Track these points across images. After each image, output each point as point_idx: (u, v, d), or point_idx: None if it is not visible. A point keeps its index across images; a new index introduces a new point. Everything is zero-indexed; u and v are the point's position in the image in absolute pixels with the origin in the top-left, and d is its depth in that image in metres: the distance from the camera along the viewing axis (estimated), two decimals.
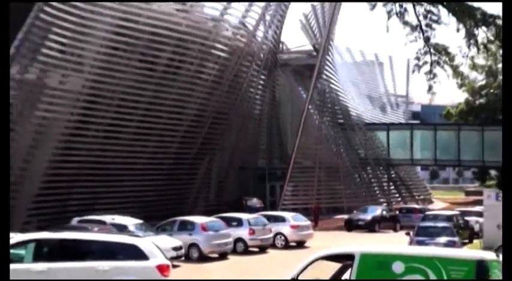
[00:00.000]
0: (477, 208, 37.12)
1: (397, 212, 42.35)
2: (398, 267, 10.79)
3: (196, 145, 39.24)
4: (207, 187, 42.03)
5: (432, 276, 10.56)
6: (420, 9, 11.81)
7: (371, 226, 37.50)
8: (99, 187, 33.06)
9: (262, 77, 45.69)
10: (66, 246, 14.38)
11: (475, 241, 30.33)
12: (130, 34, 33.69)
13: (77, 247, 14.38)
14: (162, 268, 14.00)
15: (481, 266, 10.50)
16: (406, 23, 11.52)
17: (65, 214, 28.57)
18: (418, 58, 12.61)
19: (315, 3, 47.31)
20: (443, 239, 23.86)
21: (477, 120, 57.49)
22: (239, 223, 27.79)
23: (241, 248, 27.06)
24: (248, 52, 42.05)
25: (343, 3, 47.05)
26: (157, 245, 15.10)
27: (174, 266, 17.88)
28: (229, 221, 27.41)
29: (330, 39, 48.41)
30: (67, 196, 31.46)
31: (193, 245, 24.72)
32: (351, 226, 38.06)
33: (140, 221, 24.89)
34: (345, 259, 11.73)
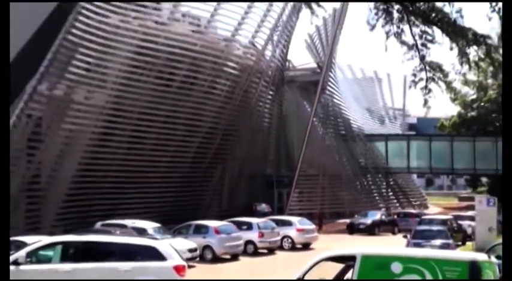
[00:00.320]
0: (469, 213, 36.89)
1: (395, 216, 42.14)
2: (396, 267, 10.73)
3: (209, 155, 39.21)
4: (220, 193, 41.94)
5: (428, 276, 10.49)
6: (416, 30, 11.87)
7: (371, 230, 37.34)
8: (121, 194, 33.07)
9: (271, 92, 45.66)
10: (91, 248, 14.36)
11: (468, 243, 30.12)
12: (150, 54, 33.79)
13: (100, 249, 14.36)
14: (178, 268, 13.96)
15: (474, 267, 10.42)
16: (403, 43, 11.53)
17: (90, 218, 28.55)
18: (414, 75, 12.57)
19: (319, 24, 47.35)
20: (438, 242, 23.68)
21: (469, 131, 57.23)
22: (249, 226, 27.73)
23: (251, 249, 26.98)
24: (257, 70, 42.06)
25: (345, 25, 47.09)
26: (174, 247, 15.06)
27: (190, 267, 17.83)
28: (240, 225, 27.35)
29: (333, 58, 48.39)
30: (91, 201, 31.44)
31: (207, 247, 24.68)
32: (352, 229, 37.91)
33: (158, 224, 24.87)
34: (347, 260, 11.66)
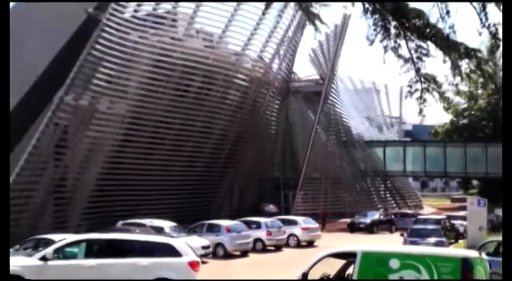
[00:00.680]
0: (462, 213, 36.67)
1: (393, 216, 41.95)
2: (394, 263, 10.70)
3: (221, 160, 39.24)
4: (231, 195, 41.92)
5: (424, 271, 10.46)
6: (412, 44, 11.79)
7: (370, 228, 37.21)
8: (140, 195, 33.10)
9: (277, 102, 45.68)
10: (112, 245, 14.43)
11: (460, 241, 29.95)
12: (166, 67, 33.92)
13: (121, 246, 14.41)
14: (193, 264, 14.00)
15: (466, 263, 10.41)
16: (399, 56, 11.48)
17: (111, 218, 28.58)
18: (410, 86, 12.51)
19: (322, 40, 47.35)
20: (432, 240, 23.59)
21: (461, 138, 57.01)
22: (258, 225, 27.69)
23: (260, 247, 26.94)
24: (265, 81, 42.10)
25: (346, 40, 47.04)
26: (189, 245, 15.08)
27: (203, 263, 17.82)
28: (249, 224, 27.33)
29: (334, 70, 48.38)
30: (113, 202, 31.50)
31: (219, 244, 24.65)
32: (353, 228, 37.79)
33: (174, 224, 24.86)
34: (348, 257, 11.64)
